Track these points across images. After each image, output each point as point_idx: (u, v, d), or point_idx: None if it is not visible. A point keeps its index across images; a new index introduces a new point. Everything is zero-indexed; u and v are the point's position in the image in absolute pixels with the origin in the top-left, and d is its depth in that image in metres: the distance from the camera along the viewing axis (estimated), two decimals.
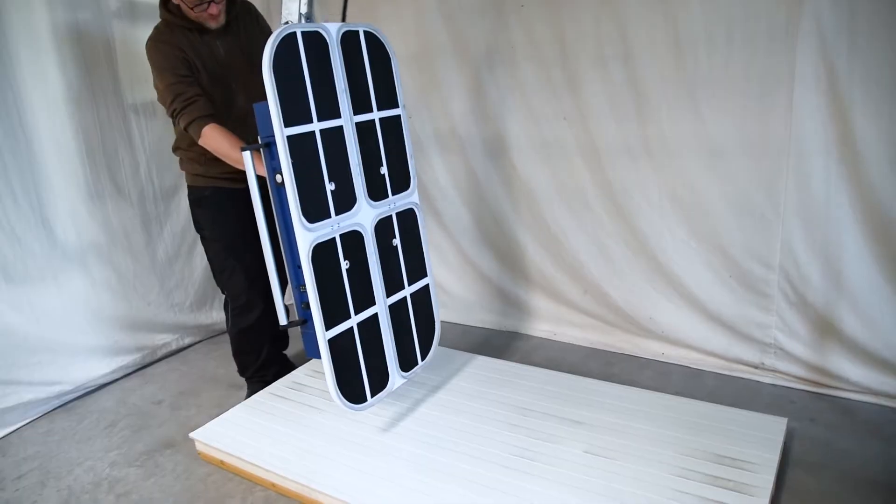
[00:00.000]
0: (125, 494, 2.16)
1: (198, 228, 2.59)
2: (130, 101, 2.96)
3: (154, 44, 2.24)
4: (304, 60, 1.94)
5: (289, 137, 1.89)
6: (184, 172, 2.53)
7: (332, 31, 2.02)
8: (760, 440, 2.01)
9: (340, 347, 2.05)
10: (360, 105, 2.13)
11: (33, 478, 2.29)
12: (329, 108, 2.02)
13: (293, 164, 1.90)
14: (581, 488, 1.87)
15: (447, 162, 3.12)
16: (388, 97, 2.24)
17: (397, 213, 2.27)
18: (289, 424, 2.33)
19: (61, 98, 2.71)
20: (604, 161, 2.68)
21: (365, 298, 2.15)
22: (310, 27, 1.95)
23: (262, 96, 1.90)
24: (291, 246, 2.04)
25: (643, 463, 1.95)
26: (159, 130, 3.08)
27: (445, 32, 2.91)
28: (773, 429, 2.07)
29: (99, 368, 2.90)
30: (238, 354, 2.68)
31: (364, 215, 2.14)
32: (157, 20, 2.29)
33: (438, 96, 3.03)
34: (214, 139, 2.18)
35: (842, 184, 2.22)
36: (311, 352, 2.11)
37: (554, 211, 2.89)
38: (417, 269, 2.38)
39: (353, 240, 2.10)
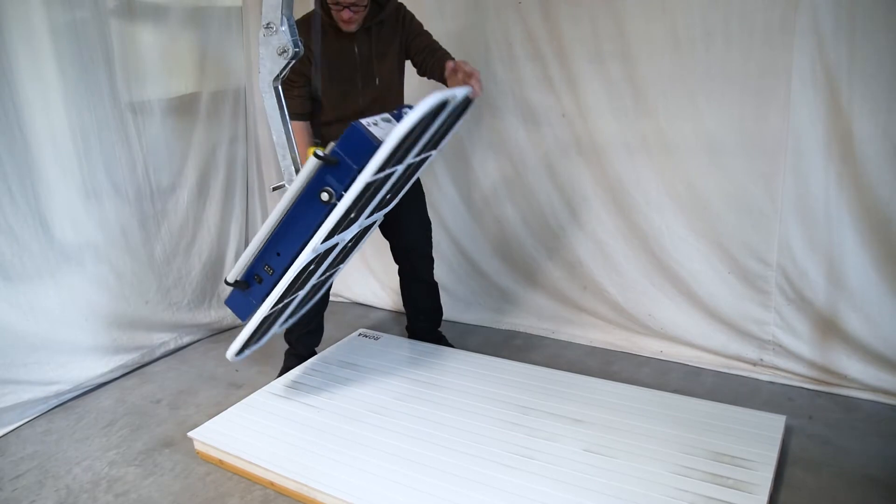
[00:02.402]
0: (124, 494, 2.16)
1: None
2: (127, 100, 2.95)
3: None
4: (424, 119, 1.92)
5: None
6: None
7: (459, 96, 2.03)
8: (759, 438, 2.01)
9: (263, 320, 2.17)
10: (419, 150, 2.14)
11: (32, 477, 2.29)
12: (403, 155, 2.01)
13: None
14: (580, 486, 1.87)
15: (445, 160, 3.12)
16: (436, 142, 2.27)
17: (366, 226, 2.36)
18: (287, 423, 2.33)
19: (58, 96, 2.70)
20: (602, 158, 2.68)
21: (302, 285, 2.25)
22: (445, 96, 1.89)
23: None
24: (284, 237, 2.04)
25: (642, 461, 1.95)
26: (156, 129, 3.07)
27: (443, 30, 2.90)
28: (772, 426, 2.07)
29: (97, 367, 2.89)
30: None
31: (350, 231, 2.20)
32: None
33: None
34: (295, 134, 2.35)
35: (839, 180, 2.22)
36: (234, 306, 2.18)
37: (552, 208, 2.89)
38: (345, 259, 2.52)
39: (330, 250, 2.16)
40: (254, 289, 2.13)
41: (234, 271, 2.12)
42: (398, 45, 2.45)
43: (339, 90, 2.40)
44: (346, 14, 2.27)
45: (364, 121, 1.91)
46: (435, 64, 2.39)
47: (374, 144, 1.85)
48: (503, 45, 2.78)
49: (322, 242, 1.99)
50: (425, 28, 2.50)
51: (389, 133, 1.77)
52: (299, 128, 2.43)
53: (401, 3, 2.49)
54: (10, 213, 2.55)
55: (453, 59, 2.38)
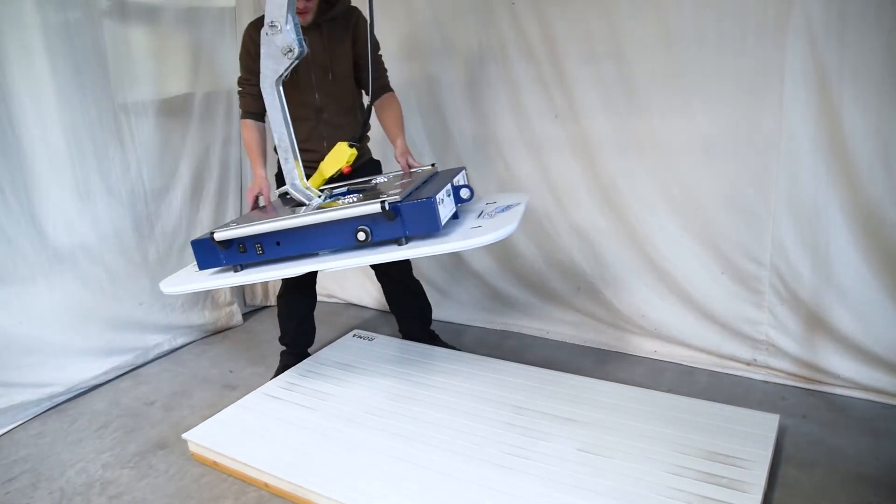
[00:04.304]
0: (118, 496, 2.15)
1: None
2: (121, 101, 2.95)
3: (244, 33, 2.47)
4: None
5: None
6: None
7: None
8: (753, 437, 2.02)
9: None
10: None
11: (25, 480, 2.28)
12: None
13: None
14: (574, 486, 1.87)
15: (439, 160, 3.12)
16: None
17: None
18: (282, 424, 2.33)
19: (51, 97, 2.70)
20: (595, 158, 2.68)
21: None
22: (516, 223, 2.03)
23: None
24: (294, 234, 2.03)
25: (636, 460, 1.96)
26: (149, 130, 3.06)
27: (436, 30, 2.91)
28: (766, 425, 2.08)
29: (91, 370, 2.89)
30: (280, 319, 2.87)
31: None
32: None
33: (430, 94, 3.03)
34: (242, 133, 2.55)
35: (831, 179, 2.23)
36: (199, 250, 2.15)
37: (546, 208, 2.89)
38: None
39: None
40: (231, 251, 2.10)
41: (224, 232, 2.07)
42: (349, 45, 2.48)
43: (294, 86, 2.40)
44: (300, 4, 2.26)
45: (438, 195, 1.95)
46: (370, 87, 2.47)
47: (437, 227, 1.94)
48: (496, 45, 2.78)
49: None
50: (402, 35, 2.55)
51: (451, 235, 1.96)
52: (245, 126, 2.50)
53: (355, 7, 2.51)
54: (2, 215, 2.55)
55: (389, 88, 2.55)
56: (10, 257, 2.59)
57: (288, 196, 2.26)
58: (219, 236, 2.07)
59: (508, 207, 2.18)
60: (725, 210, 2.45)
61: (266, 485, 2.11)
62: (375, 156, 2.77)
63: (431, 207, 1.90)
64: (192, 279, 2.19)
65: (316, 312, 2.90)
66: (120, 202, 2.99)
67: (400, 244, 1.96)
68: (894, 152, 2.09)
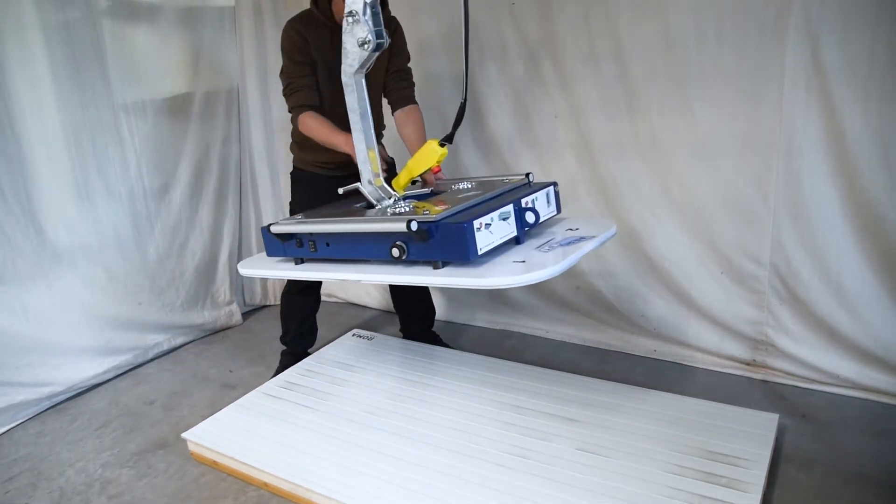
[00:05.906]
0: (117, 495, 2.15)
1: (291, 203, 2.74)
2: (120, 101, 2.95)
3: (286, 27, 2.40)
4: None
5: None
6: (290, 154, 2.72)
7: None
8: (752, 436, 2.02)
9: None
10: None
11: (24, 479, 2.28)
12: None
13: None
14: (574, 486, 1.87)
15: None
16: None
17: None
18: (281, 424, 2.33)
19: (51, 96, 2.70)
20: (595, 158, 2.68)
21: None
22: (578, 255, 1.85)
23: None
24: (343, 238, 2.01)
25: (636, 460, 1.96)
26: (149, 129, 3.06)
27: (437, 30, 2.91)
28: (765, 425, 2.08)
29: (90, 369, 2.89)
30: (282, 317, 2.88)
31: None
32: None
33: (430, 93, 3.02)
34: (308, 126, 2.38)
35: (831, 179, 2.23)
36: (267, 240, 2.20)
37: None
38: None
39: None
40: (290, 244, 2.14)
41: (282, 225, 2.13)
42: (385, 56, 2.44)
43: (332, 88, 2.38)
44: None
45: (479, 220, 1.74)
46: (394, 94, 2.49)
47: (469, 258, 1.73)
48: (496, 45, 2.78)
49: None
50: (417, 29, 2.52)
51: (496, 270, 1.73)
52: (312, 117, 2.38)
53: (394, 17, 2.50)
54: (1, 215, 2.55)
55: (414, 100, 2.50)
56: (9, 257, 2.59)
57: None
58: (274, 229, 2.13)
59: (581, 240, 1.93)
60: (725, 210, 2.46)
61: (265, 484, 2.11)
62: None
63: (463, 233, 1.70)
64: (263, 264, 2.27)
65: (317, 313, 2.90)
66: (120, 202, 2.99)
67: (436, 267, 1.80)
68: (894, 152, 2.10)
